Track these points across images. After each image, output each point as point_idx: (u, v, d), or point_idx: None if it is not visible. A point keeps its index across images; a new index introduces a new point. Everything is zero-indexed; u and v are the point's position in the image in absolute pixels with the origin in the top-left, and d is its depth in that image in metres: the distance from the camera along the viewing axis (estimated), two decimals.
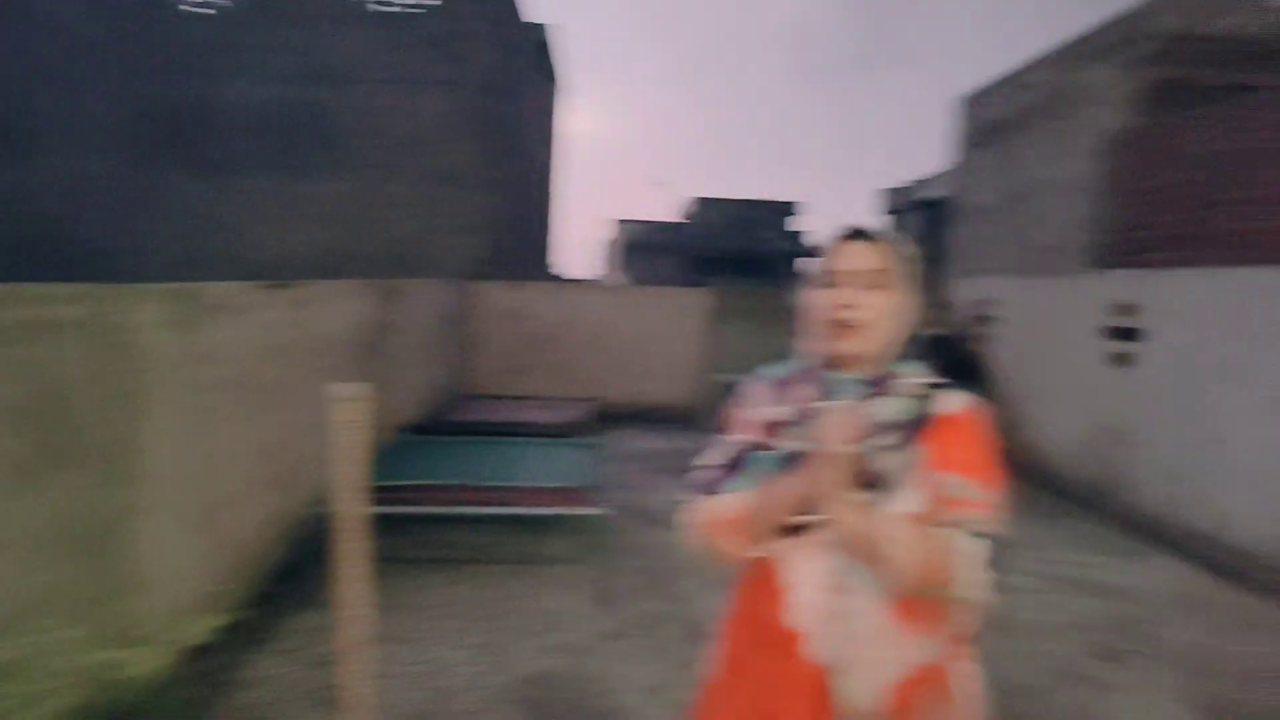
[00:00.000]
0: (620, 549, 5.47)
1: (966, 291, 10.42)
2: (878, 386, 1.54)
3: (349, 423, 2.05)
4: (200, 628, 2.85)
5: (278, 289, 4.35)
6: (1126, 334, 7.21)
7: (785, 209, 45.56)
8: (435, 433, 6.78)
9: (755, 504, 1.51)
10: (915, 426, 1.51)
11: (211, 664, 3.64)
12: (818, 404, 1.53)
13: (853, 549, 1.44)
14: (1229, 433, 5.96)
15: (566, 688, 3.68)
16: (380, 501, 4.81)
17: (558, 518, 5.30)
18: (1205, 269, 6.35)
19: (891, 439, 1.50)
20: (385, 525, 5.73)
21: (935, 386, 1.55)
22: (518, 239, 14.34)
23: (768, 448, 1.57)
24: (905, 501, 1.47)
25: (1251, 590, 5.35)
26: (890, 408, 1.52)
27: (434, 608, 4.51)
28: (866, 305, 1.51)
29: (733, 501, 1.54)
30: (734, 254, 42.76)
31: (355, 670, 2.08)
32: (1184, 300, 6.53)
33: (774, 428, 1.59)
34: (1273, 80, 7.39)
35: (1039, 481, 8.21)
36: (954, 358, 9.72)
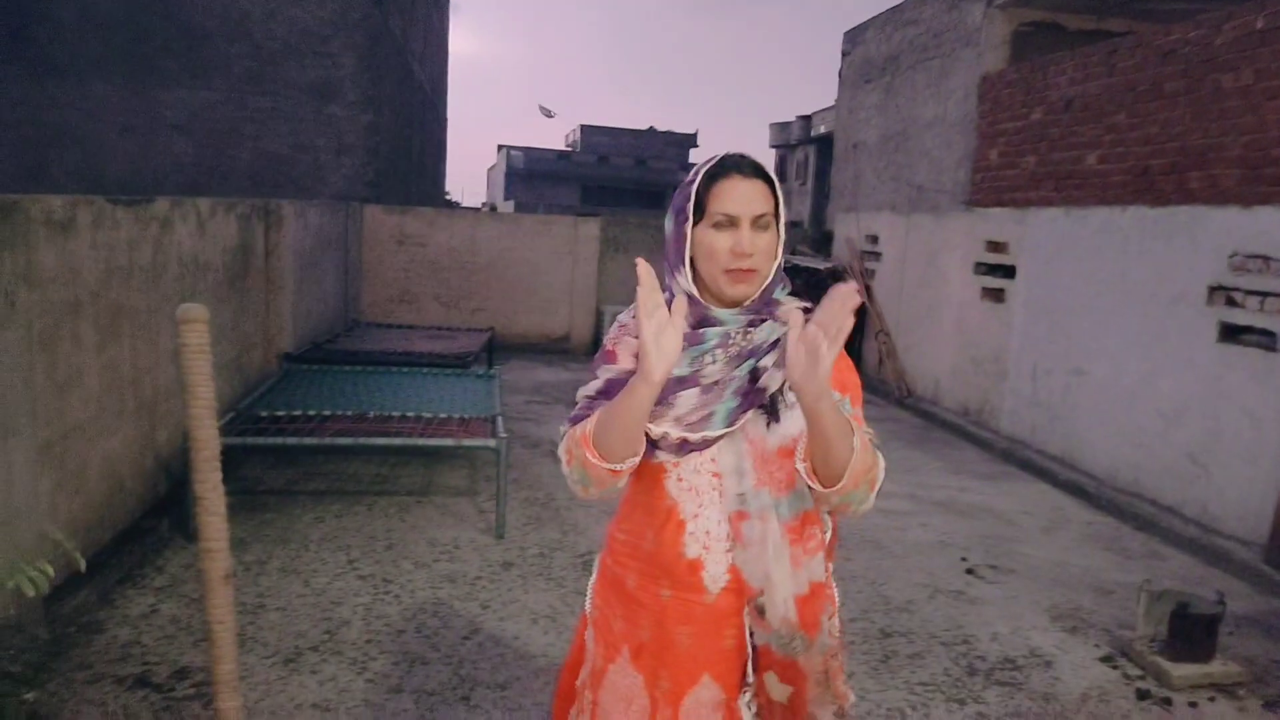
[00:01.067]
0: (514, 480, 5.44)
1: (850, 227, 10.67)
2: (756, 313, 1.54)
3: (196, 345, 1.90)
4: (43, 566, 2.64)
5: (128, 205, 4.02)
6: (1000, 270, 7.55)
7: (681, 140, 45.42)
8: (325, 362, 6.52)
9: (608, 413, 1.49)
10: None
11: (76, 603, 3.45)
12: (702, 331, 1.51)
13: (814, 420, 1.38)
14: (1086, 365, 6.35)
15: (459, 617, 3.66)
16: (271, 432, 4.62)
17: (452, 449, 5.22)
18: (1065, 208, 6.67)
19: (778, 363, 1.50)
20: (277, 457, 5.56)
21: (806, 309, 1.53)
22: (404, 162, 13.77)
23: None
24: (799, 418, 1.46)
25: (1102, 510, 5.78)
26: (770, 331, 1.53)
27: (326, 540, 4.40)
28: (760, 250, 1.49)
29: (593, 419, 1.52)
30: (628, 184, 42.46)
31: (221, 606, 1.98)
32: (1047, 238, 6.87)
33: None
34: (1130, 26, 7.73)
35: (915, 409, 8.60)
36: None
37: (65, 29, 10.59)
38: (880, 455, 1.47)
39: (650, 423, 1.50)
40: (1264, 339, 4.92)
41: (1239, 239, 5.08)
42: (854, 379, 1.58)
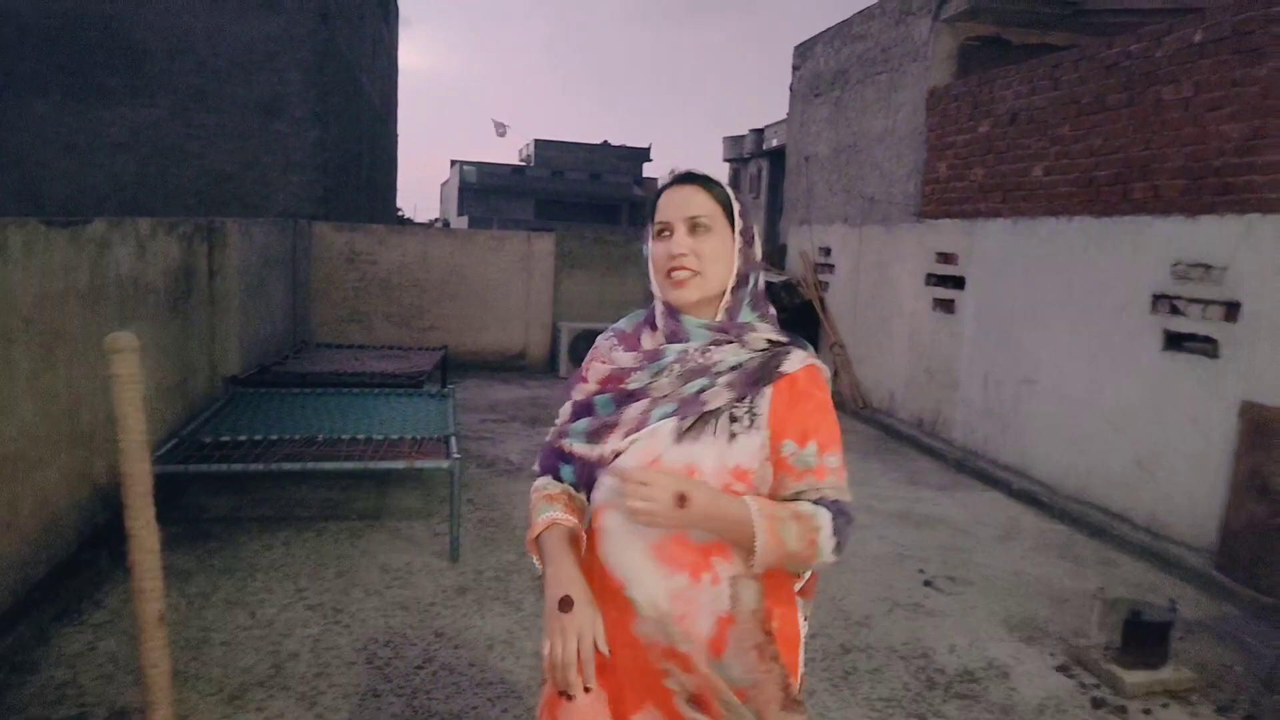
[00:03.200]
0: (468, 501, 5.35)
1: (803, 240, 10.75)
2: (724, 333, 1.53)
3: (126, 375, 1.82)
4: None
5: (63, 227, 3.88)
6: (951, 281, 7.65)
7: (635, 154, 45.53)
8: (272, 384, 6.36)
9: (544, 555, 1.53)
10: (757, 378, 1.50)
11: (10, 642, 3.29)
12: (663, 347, 1.54)
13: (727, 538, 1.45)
14: (1035, 374, 6.45)
15: (412, 646, 3.57)
16: (216, 459, 4.47)
17: (405, 471, 5.11)
18: (1013, 219, 6.78)
19: (731, 384, 1.49)
20: (222, 483, 5.39)
21: (780, 343, 1.55)
22: (354, 178, 13.59)
23: (607, 393, 1.57)
24: (739, 451, 1.47)
25: (1054, 518, 5.85)
26: (732, 354, 1.51)
27: (274, 568, 4.27)
28: (694, 253, 1.49)
29: (543, 519, 1.55)
30: (582, 198, 42.42)
31: (155, 649, 1.89)
32: (996, 249, 6.97)
33: (619, 375, 1.57)
34: (1073, 40, 7.90)
35: (872, 420, 8.66)
36: (790, 303, 10.05)
37: (2, 46, 10.29)
38: (825, 520, 1.43)
39: (598, 445, 1.52)
40: (1206, 346, 5.02)
41: (1181, 248, 5.20)
42: (817, 422, 1.50)
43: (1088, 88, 6.04)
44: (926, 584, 4.56)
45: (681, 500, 1.36)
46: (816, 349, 9.83)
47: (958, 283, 7.53)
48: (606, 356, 1.61)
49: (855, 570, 4.68)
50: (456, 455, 4.62)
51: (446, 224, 35.83)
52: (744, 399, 1.48)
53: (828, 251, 10.12)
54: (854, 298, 9.43)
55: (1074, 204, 6.15)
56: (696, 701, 1.50)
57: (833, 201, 10.12)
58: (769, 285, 10.02)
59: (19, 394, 3.49)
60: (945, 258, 7.71)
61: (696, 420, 1.47)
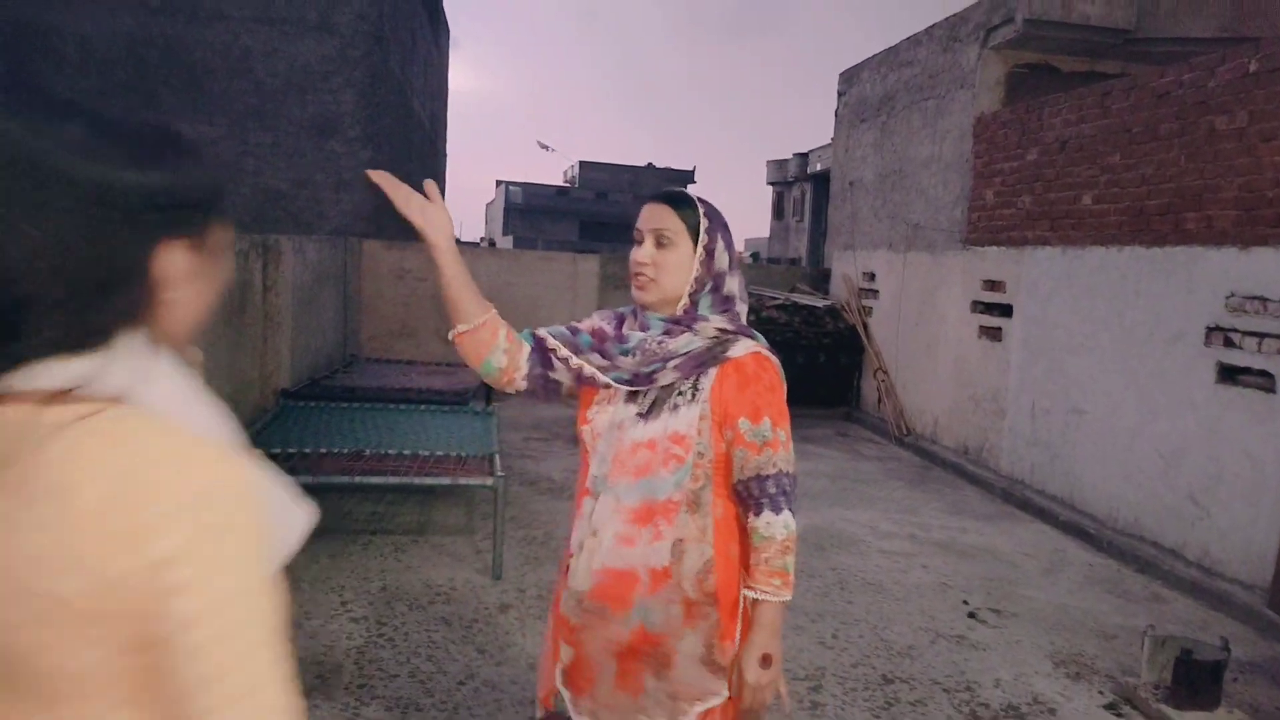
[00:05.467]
0: (511, 519, 5.40)
1: (847, 265, 10.71)
2: (678, 325, 1.76)
3: None
4: None
5: None
6: (998, 309, 7.57)
7: (678, 176, 45.74)
8: (322, 398, 6.49)
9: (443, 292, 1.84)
10: (703, 360, 1.71)
11: None
12: (630, 332, 1.80)
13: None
14: (1085, 404, 6.35)
15: (454, 661, 3.61)
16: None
17: (449, 487, 5.18)
18: (1062, 248, 6.71)
19: (679, 367, 1.71)
20: None
21: (728, 332, 1.76)
22: None
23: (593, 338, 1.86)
24: (679, 420, 1.69)
25: (1102, 551, 5.74)
26: (684, 342, 1.73)
27: (319, 580, 4.34)
28: (654, 263, 1.74)
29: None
30: (625, 220, 42.67)
31: None
32: (1045, 278, 6.89)
33: (602, 335, 1.85)
34: (1123, 68, 7.82)
35: (915, 447, 8.57)
36: (834, 328, 10.00)
37: (66, 64, 10.68)
38: (776, 525, 1.68)
39: (564, 348, 1.80)
40: (1262, 380, 4.91)
41: (1236, 280, 5.10)
42: (768, 400, 1.71)
43: (1139, 116, 5.98)
44: (971, 615, 4.50)
45: (766, 661, 1.69)
46: (860, 374, 9.77)
47: (1004, 310, 7.45)
48: (595, 324, 1.91)
49: (897, 599, 4.64)
50: (500, 473, 4.68)
51: (492, 243, 36.27)
52: (689, 378, 1.72)
53: (872, 277, 10.08)
54: (898, 323, 9.37)
55: (1124, 234, 6.07)
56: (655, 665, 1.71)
57: (877, 227, 10.08)
58: (813, 309, 10.06)
59: None
60: (992, 285, 7.64)
61: (653, 403, 1.72)
